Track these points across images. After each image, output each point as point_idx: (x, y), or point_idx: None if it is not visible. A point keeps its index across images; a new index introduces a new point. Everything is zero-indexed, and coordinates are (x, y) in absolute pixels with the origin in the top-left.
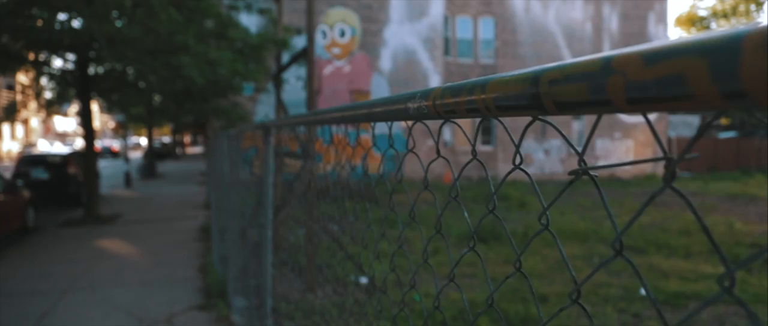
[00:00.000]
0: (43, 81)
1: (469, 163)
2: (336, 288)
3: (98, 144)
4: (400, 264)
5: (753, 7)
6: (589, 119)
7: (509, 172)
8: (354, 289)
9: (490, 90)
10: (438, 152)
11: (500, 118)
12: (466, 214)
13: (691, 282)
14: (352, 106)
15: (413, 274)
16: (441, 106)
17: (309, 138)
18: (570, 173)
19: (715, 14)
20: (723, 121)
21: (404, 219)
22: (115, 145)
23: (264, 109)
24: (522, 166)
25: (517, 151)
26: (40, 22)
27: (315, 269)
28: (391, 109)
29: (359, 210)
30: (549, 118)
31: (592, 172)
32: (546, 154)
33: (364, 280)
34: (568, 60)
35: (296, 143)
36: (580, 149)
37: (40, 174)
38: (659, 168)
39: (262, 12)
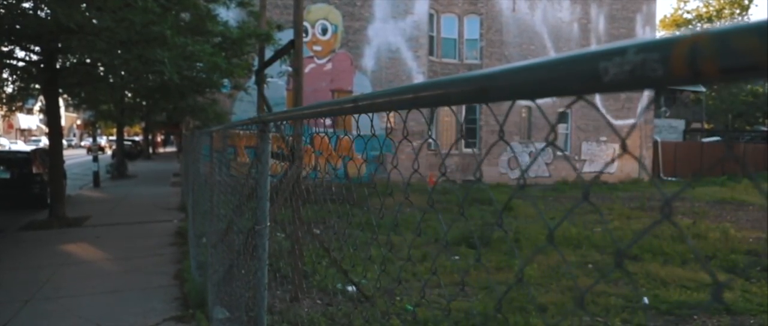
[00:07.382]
0: (5, 74)
1: (480, 146)
2: (323, 297)
3: (87, 141)
4: (389, 271)
5: (737, 11)
6: (575, 121)
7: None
8: (342, 298)
9: None
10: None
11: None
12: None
13: (693, 291)
14: (441, 83)
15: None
16: (715, 59)
17: (297, 137)
18: None
19: (699, 17)
20: (707, 125)
21: (390, 224)
22: (103, 142)
23: (243, 107)
24: (507, 170)
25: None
26: (1, 11)
27: (300, 276)
28: (551, 78)
29: (347, 213)
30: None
31: None
32: (531, 157)
33: (351, 288)
34: None
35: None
36: (568, 152)
37: (1, 173)
38: (645, 173)
39: (242, 4)
